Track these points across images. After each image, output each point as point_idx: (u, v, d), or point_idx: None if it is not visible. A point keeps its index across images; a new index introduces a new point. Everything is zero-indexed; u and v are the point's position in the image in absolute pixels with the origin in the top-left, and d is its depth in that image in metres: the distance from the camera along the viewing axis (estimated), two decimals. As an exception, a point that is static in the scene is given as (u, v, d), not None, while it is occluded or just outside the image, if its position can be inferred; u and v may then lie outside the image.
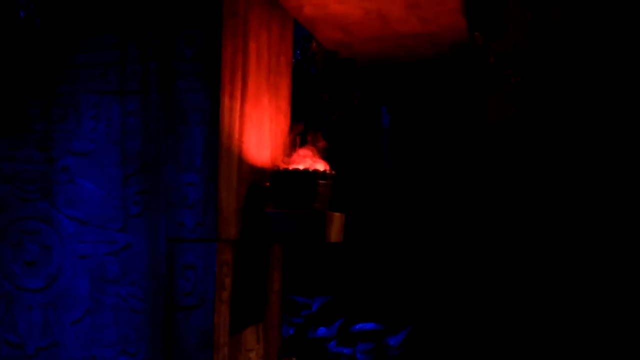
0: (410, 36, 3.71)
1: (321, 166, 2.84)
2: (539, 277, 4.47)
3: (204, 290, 2.50)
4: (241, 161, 2.69)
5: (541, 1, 4.64)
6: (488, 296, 4.51)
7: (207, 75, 2.52)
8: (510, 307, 4.48)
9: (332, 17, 3.38)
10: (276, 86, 3.04)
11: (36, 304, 2.69)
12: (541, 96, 4.59)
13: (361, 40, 3.80)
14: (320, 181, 2.78)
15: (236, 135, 2.64)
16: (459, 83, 4.45)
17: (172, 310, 2.53)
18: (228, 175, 2.59)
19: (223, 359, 2.58)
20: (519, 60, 4.42)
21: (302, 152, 2.92)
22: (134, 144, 2.59)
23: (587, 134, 4.49)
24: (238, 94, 2.65)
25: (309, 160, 2.87)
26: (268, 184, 2.84)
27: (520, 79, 4.43)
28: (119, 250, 2.60)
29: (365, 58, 4.16)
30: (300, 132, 3.05)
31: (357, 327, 4.67)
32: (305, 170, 2.78)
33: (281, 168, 2.84)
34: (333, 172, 2.84)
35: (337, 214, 2.84)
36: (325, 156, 2.93)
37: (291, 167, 2.83)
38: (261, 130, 2.87)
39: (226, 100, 2.55)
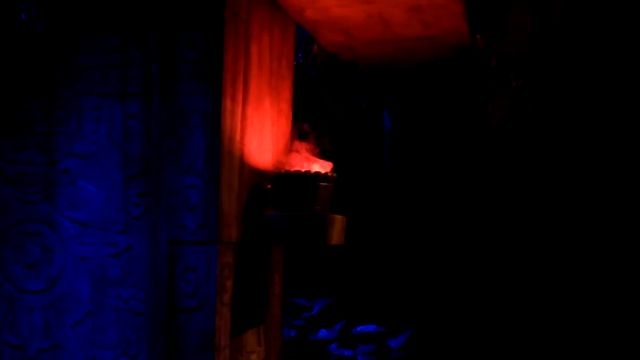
0: (412, 39, 3.71)
1: (322, 169, 2.84)
2: (541, 279, 4.47)
3: (205, 292, 2.50)
4: (242, 164, 2.69)
5: (543, 5, 4.64)
6: (490, 299, 4.50)
7: (208, 78, 2.52)
8: (512, 310, 4.48)
9: (334, 20, 3.39)
10: (278, 89, 3.04)
11: (37, 306, 2.69)
12: (543, 99, 4.59)
13: (363, 44, 3.81)
14: (322, 184, 2.78)
15: (238, 138, 2.64)
16: (460, 86, 4.45)
17: (173, 312, 2.53)
18: (229, 178, 2.59)
19: (224, 362, 2.58)
20: (520, 63, 4.42)
21: (304, 154, 2.92)
22: (135, 146, 2.60)
23: (589, 137, 4.48)
24: (240, 96, 2.66)
25: (310, 163, 2.87)
26: (269, 186, 2.84)
27: (522, 82, 4.42)
28: (120, 253, 2.60)
29: (366, 61, 4.16)
30: (302, 135, 3.06)
31: (358, 329, 4.67)
32: (307, 173, 2.78)
33: (282, 170, 2.83)
34: (334, 174, 2.83)
35: (338, 217, 2.83)
36: (326, 159, 2.93)
37: (292, 169, 2.82)
38: (262, 133, 2.87)
39: (228, 103, 2.56)
